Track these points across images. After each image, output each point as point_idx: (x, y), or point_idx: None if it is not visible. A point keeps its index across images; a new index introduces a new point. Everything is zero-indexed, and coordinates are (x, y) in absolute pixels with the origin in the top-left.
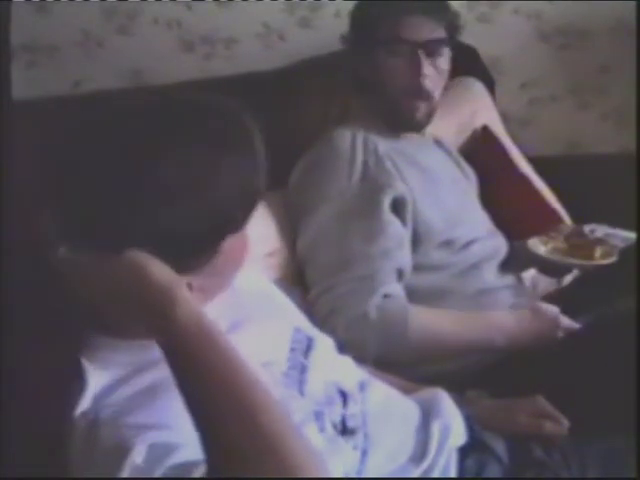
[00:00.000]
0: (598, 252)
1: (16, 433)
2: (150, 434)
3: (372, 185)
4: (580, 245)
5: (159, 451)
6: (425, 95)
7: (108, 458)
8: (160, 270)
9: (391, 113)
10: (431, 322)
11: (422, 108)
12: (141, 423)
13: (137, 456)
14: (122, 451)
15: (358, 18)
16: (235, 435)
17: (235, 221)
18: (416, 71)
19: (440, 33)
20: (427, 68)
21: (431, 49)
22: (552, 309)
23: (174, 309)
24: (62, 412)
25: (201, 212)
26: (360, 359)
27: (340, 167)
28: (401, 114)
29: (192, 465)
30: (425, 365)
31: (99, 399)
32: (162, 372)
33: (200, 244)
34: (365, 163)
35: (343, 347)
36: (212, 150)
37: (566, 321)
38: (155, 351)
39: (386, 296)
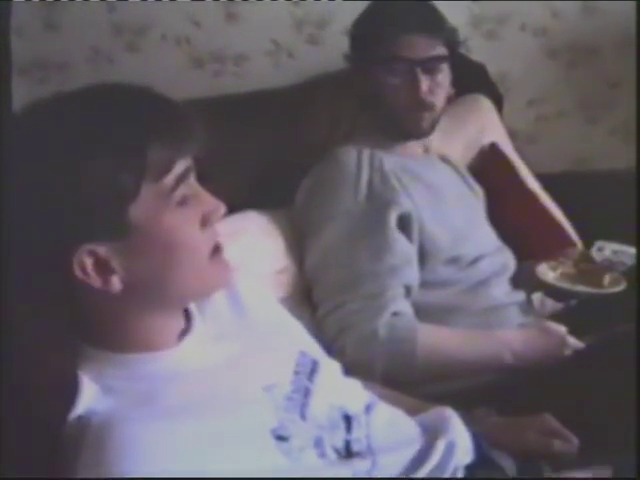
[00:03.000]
0: (607, 279)
1: (16, 436)
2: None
3: (378, 203)
4: (589, 271)
5: None
6: (427, 107)
7: (89, 460)
8: None
9: (396, 125)
10: (440, 340)
11: (426, 118)
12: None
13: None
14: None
15: (356, 37)
16: None
17: (125, 187)
18: (415, 88)
19: (438, 50)
20: (425, 84)
21: (428, 66)
22: (559, 329)
23: None
24: (60, 417)
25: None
26: (368, 377)
27: (346, 185)
28: (406, 125)
29: None
30: (433, 383)
31: (92, 406)
32: (150, 386)
33: (100, 211)
34: (370, 181)
35: (350, 369)
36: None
37: (572, 341)
38: (147, 365)
39: (395, 314)
